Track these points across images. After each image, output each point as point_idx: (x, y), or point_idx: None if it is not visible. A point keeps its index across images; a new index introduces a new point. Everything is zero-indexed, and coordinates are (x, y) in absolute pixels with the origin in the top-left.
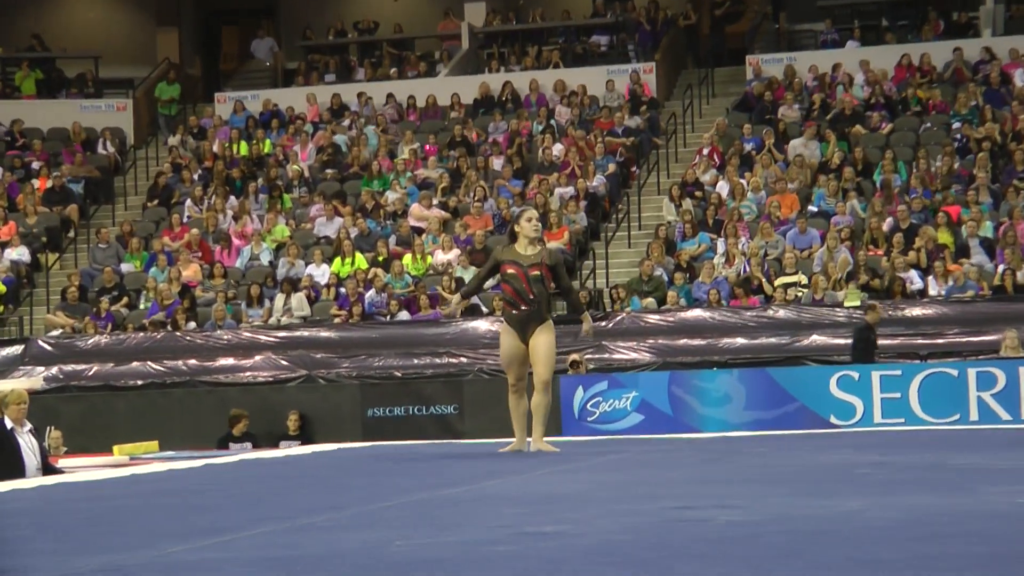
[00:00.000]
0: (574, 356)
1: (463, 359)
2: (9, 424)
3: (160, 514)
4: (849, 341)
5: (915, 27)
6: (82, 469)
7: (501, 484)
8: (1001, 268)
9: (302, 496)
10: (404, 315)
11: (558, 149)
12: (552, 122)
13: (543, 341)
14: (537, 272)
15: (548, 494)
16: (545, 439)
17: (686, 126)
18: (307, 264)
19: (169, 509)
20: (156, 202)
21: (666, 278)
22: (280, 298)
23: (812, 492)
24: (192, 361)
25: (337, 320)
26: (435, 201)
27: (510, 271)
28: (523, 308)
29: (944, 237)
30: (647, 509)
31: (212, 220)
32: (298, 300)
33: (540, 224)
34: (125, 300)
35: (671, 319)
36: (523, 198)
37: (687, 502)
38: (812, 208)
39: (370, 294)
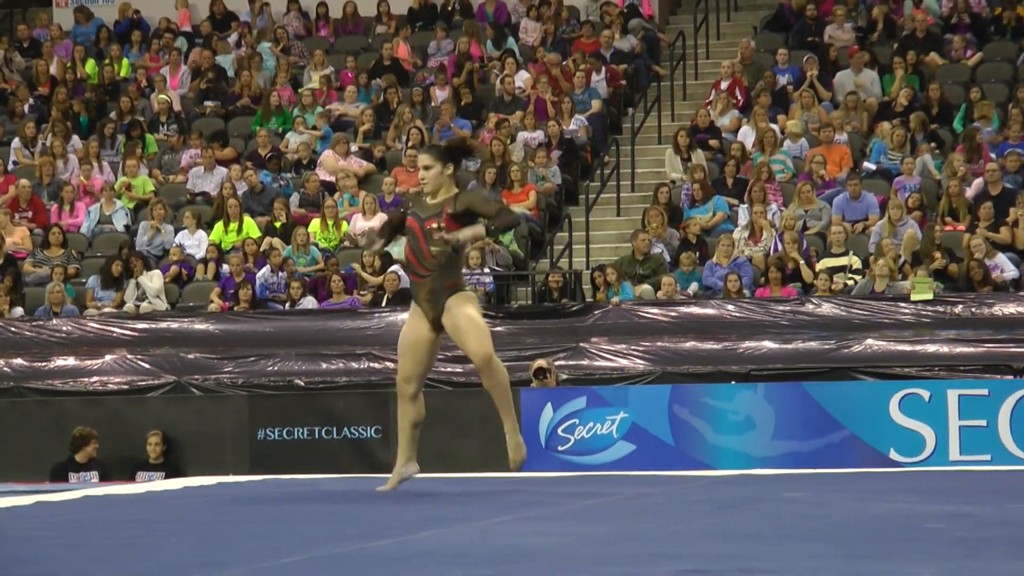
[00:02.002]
0: (541, 362)
1: (389, 363)
2: None
3: None
4: (919, 347)
5: None
6: None
7: (444, 535)
8: None
9: (168, 548)
10: (309, 302)
11: (522, 79)
12: (515, 41)
13: (460, 314)
14: (436, 224)
15: (509, 550)
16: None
17: (698, 50)
18: (177, 230)
19: None
20: None
21: (668, 258)
22: (139, 279)
23: (866, 553)
24: (18, 361)
25: (213, 306)
26: (354, 147)
27: (408, 225)
28: (421, 274)
29: None
30: (647, 573)
31: (48, 168)
32: (151, 280)
33: (428, 175)
34: None
35: (674, 313)
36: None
37: (699, 564)
38: (869, 165)
39: (263, 273)
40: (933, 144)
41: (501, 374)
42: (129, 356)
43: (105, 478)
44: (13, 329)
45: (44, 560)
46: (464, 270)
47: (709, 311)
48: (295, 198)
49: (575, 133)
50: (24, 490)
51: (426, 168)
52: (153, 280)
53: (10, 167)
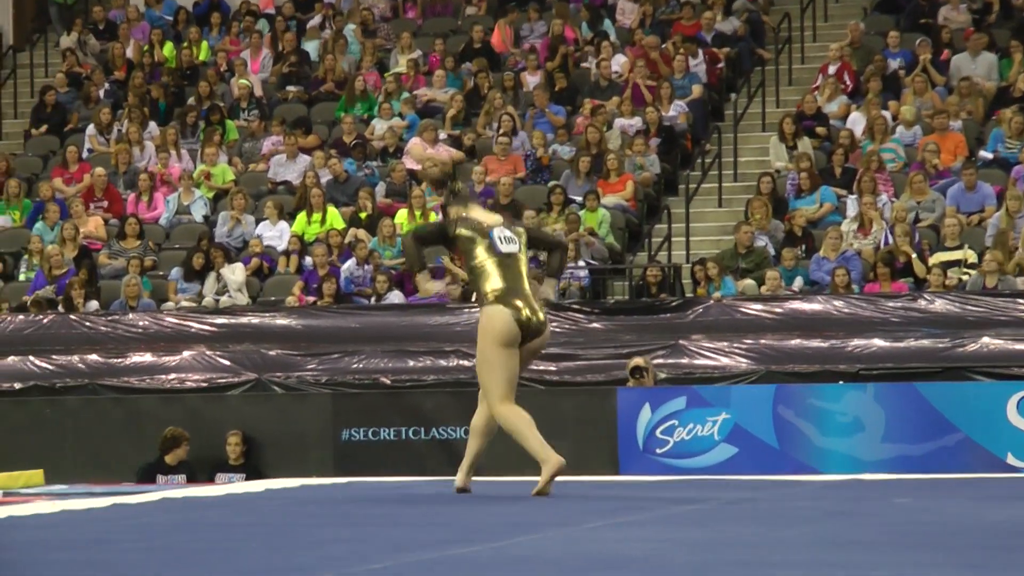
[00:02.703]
0: (638, 360)
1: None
2: None
3: (46, 574)
4: None
5: None
6: None
7: (538, 541)
8: None
9: (249, 553)
10: (396, 296)
11: (619, 63)
12: (611, 24)
13: (478, 352)
14: None
15: (605, 557)
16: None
17: (804, 32)
18: (258, 221)
19: (59, 568)
20: (44, 128)
21: (772, 251)
22: (221, 271)
23: (981, 562)
24: (92, 357)
25: (291, 300)
26: (443, 135)
27: None
28: None
29: None
30: None
31: (124, 156)
32: (233, 272)
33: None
34: None
35: (779, 310)
36: (569, 132)
37: (805, 572)
38: (985, 154)
39: (348, 266)
40: None
41: (506, 425)
42: (208, 352)
43: (194, 480)
44: (88, 324)
45: (120, 564)
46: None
47: (815, 307)
48: (381, 187)
49: (675, 120)
50: (99, 491)
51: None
52: (235, 273)
53: (85, 155)
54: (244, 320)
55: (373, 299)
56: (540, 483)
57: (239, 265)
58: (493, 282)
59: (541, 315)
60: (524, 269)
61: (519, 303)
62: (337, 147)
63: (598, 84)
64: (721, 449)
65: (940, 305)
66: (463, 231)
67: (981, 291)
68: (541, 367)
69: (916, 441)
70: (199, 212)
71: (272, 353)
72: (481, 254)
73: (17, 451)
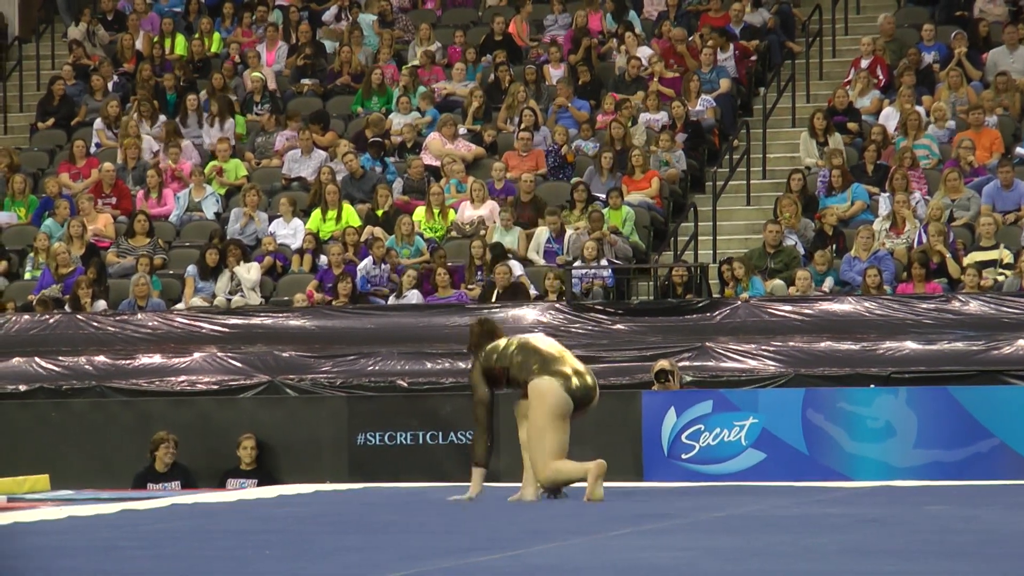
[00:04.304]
0: (663, 363)
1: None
2: None
3: None
4: None
5: None
6: None
7: (559, 549)
8: None
9: (261, 562)
10: (414, 296)
11: (645, 55)
12: (636, 15)
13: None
14: None
15: (630, 565)
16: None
17: (836, 25)
18: (271, 219)
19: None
20: (51, 122)
21: (802, 250)
22: (235, 269)
23: (1018, 572)
24: (100, 359)
25: (299, 299)
26: (463, 129)
27: None
28: None
29: None
30: None
31: (133, 151)
32: (248, 271)
33: None
34: (3, 265)
35: (809, 311)
36: (592, 127)
37: None
38: (1022, 151)
39: (364, 265)
40: None
41: (548, 480)
42: (219, 354)
43: (191, 486)
44: (95, 324)
45: (130, 572)
46: (579, 262)
47: (846, 308)
48: (398, 184)
49: (702, 115)
50: (106, 497)
51: None
52: (251, 272)
53: (92, 149)
54: (257, 321)
55: (390, 299)
56: (588, 489)
57: (255, 264)
58: (535, 358)
59: (589, 379)
60: (566, 352)
61: (566, 371)
62: (354, 142)
63: (623, 78)
64: (748, 455)
65: (975, 307)
66: (496, 357)
67: (1017, 292)
68: None
69: (950, 447)
70: (210, 209)
71: (285, 355)
72: (518, 353)
73: (22, 455)
